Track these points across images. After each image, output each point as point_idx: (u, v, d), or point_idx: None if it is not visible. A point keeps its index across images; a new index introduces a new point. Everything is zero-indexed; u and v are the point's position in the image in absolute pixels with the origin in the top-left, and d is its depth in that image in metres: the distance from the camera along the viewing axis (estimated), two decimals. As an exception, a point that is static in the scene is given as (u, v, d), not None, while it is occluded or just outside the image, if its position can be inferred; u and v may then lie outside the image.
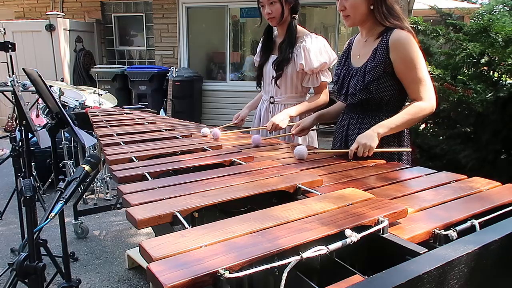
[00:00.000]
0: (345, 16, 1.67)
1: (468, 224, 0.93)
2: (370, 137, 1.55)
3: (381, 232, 0.86)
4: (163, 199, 1.03)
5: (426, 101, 1.61)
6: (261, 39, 2.39)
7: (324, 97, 2.23)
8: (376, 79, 1.63)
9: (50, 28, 7.22)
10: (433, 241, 0.90)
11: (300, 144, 1.99)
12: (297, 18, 2.24)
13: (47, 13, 7.62)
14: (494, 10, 3.31)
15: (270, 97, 2.34)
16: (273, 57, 2.29)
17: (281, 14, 2.15)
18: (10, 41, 2.78)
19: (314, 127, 2.22)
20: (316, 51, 2.17)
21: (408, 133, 1.78)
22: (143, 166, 1.38)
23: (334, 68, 2.03)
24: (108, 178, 4.04)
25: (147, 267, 0.70)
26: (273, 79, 2.27)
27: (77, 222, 3.27)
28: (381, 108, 1.69)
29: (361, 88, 1.67)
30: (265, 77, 2.36)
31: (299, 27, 2.25)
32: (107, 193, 4.08)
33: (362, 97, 1.68)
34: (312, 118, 1.99)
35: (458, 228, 0.90)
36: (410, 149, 1.72)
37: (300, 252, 0.73)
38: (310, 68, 2.16)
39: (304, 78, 2.24)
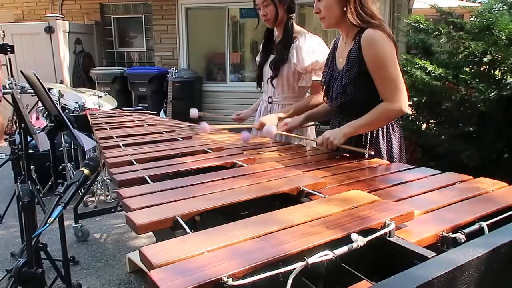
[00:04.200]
0: (321, 18, 1.69)
1: (476, 226, 0.91)
2: (335, 134, 1.61)
3: (388, 235, 0.84)
4: (163, 203, 1.01)
5: (395, 102, 1.59)
6: (262, 39, 2.38)
7: (319, 98, 2.17)
8: (352, 81, 1.62)
9: (49, 30, 7.20)
10: (441, 244, 0.88)
11: (298, 143, 1.99)
12: (294, 18, 2.22)
13: (46, 16, 7.60)
14: (494, 9, 3.29)
15: (269, 97, 2.34)
16: (272, 58, 2.28)
17: (275, 16, 2.15)
18: (9, 44, 2.77)
19: (312, 123, 2.21)
20: (309, 49, 2.15)
21: (400, 134, 1.77)
22: (143, 169, 1.36)
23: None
24: (108, 180, 4.02)
25: (147, 274, 0.68)
26: (269, 79, 2.26)
27: (77, 225, 3.25)
28: (366, 109, 1.63)
29: (340, 91, 1.67)
30: (265, 77, 2.35)
31: (297, 27, 2.23)
32: (107, 196, 4.06)
33: (342, 100, 1.68)
34: (301, 119, 1.97)
35: (466, 230, 0.88)
36: (372, 152, 1.64)
37: (305, 257, 0.71)
38: (302, 67, 2.15)
39: (300, 78, 2.22)
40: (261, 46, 2.40)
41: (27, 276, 1.14)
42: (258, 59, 2.43)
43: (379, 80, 1.60)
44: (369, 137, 1.70)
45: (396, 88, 1.59)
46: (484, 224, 0.91)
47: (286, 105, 2.26)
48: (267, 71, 2.31)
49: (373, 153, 1.65)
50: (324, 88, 1.84)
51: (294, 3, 2.19)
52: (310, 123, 2.20)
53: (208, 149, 1.66)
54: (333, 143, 1.60)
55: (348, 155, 1.66)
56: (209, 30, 7.91)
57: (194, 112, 2.33)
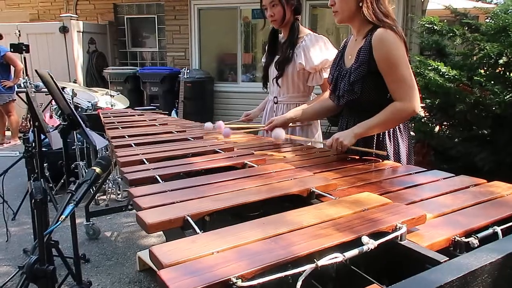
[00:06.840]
0: (334, 11, 1.68)
1: (490, 231, 0.89)
2: (346, 135, 1.59)
3: (399, 239, 0.83)
4: (174, 203, 1.01)
5: (406, 101, 1.57)
6: (267, 41, 2.41)
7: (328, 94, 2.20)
8: (361, 79, 1.61)
9: (64, 30, 7.29)
10: (453, 248, 0.86)
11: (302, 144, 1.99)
12: (299, 19, 2.23)
13: (61, 15, 7.71)
14: (510, 10, 3.24)
15: (274, 97, 2.37)
16: (277, 58, 2.30)
17: (282, 16, 2.17)
18: (24, 43, 2.81)
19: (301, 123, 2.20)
20: (316, 49, 2.17)
21: (408, 136, 1.74)
22: (154, 169, 1.37)
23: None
24: (119, 179, 4.04)
25: (157, 274, 0.68)
26: (274, 79, 2.28)
27: (88, 223, 3.28)
28: (374, 109, 1.61)
29: (347, 89, 1.66)
30: (271, 78, 2.37)
31: (302, 28, 2.26)
32: (118, 195, 4.09)
33: (349, 98, 1.67)
34: (285, 118, 1.97)
35: (480, 235, 0.87)
36: (385, 153, 1.64)
37: (315, 259, 0.70)
38: (311, 66, 2.16)
39: (308, 77, 2.23)
40: (266, 48, 2.43)
41: (39, 273, 1.16)
42: (263, 60, 2.45)
43: (390, 80, 1.58)
44: (375, 138, 1.68)
45: (409, 87, 1.57)
46: (498, 229, 0.89)
47: (291, 105, 2.27)
48: (273, 72, 2.33)
49: (385, 153, 1.63)
50: (331, 86, 1.83)
51: (300, 4, 2.21)
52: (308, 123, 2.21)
53: (219, 149, 1.66)
54: (343, 143, 1.58)
55: (358, 157, 1.64)
56: (221, 31, 7.93)
57: (209, 125, 2.29)
